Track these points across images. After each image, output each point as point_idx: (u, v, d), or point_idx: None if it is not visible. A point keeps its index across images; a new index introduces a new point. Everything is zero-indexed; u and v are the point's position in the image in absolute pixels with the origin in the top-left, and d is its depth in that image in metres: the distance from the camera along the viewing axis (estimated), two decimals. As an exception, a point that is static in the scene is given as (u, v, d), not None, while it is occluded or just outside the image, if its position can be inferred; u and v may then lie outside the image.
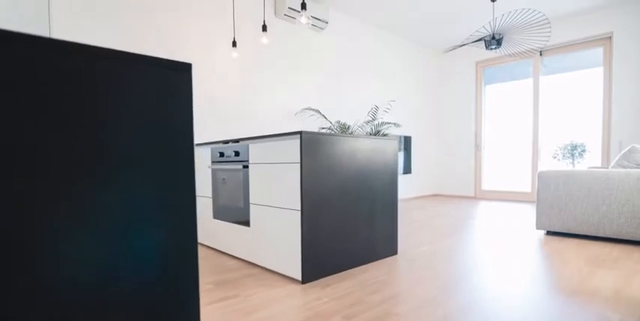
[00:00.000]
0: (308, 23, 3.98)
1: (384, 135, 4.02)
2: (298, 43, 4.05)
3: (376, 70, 5.06)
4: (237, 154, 2.22)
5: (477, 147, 5.86)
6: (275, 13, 3.81)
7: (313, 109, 4.02)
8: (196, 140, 3.26)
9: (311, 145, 1.78)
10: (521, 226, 3.31)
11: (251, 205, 2.11)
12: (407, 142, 5.61)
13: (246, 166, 2.14)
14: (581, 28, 4.70)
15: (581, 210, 2.70)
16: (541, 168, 5.30)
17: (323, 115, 4.03)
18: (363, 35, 4.82)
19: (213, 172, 2.48)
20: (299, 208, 1.77)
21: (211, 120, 3.35)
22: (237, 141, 2.20)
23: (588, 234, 2.69)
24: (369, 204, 2.12)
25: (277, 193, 1.91)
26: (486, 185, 5.90)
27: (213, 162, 2.48)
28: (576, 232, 2.74)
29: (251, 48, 3.61)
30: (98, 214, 0.53)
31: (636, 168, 2.69)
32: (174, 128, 0.57)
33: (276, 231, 1.93)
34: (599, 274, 1.90)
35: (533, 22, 3.88)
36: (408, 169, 5.63)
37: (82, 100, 0.52)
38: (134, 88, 0.53)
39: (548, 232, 2.95)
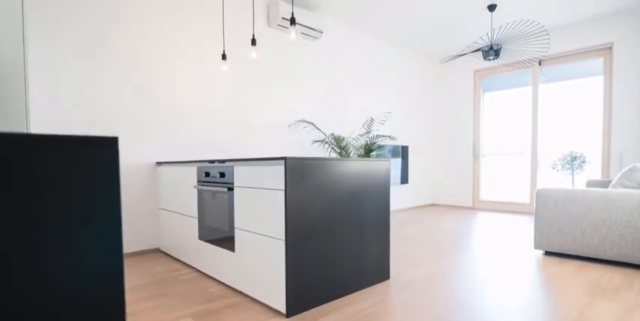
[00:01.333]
0: (302, 34, 3.89)
1: (380, 147, 3.94)
2: (292, 53, 3.97)
3: (372, 79, 4.98)
4: (222, 175, 2.14)
5: (475, 157, 5.78)
6: (268, 24, 3.73)
7: (307, 122, 3.94)
8: (189, 154, 3.17)
9: (296, 171, 1.69)
10: (519, 244, 3.21)
11: (236, 229, 2.02)
12: (404, 151, 5.52)
13: (231, 189, 2.05)
14: (580, 38, 4.63)
15: (581, 231, 2.61)
16: (540, 179, 5.21)
17: (317, 128, 3.94)
18: (358, 44, 4.75)
19: (199, 192, 2.39)
20: (283, 238, 1.68)
21: (203, 134, 3.26)
22: (223, 161, 2.12)
23: (588, 256, 2.59)
24: (360, 228, 2.03)
25: (262, 219, 1.82)
26: (484, 195, 5.81)
27: (199, 181, 2.39)
28: (576, 254, 2.65)
29: (243, 60, 3.53)
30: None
31: (637, 187, 2.60)
32: (96, 216, 0.49)
33: (260, 259, 1.84)
34: (599, 305, 1.81)
35: (532, 33, 3.80)
36: (404, 180, 5.55)
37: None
38: (46, 174, 0.45)
39: (547, 253, 2.86)
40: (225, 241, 2.12)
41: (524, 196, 5.36)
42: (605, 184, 3.91)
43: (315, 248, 1.79)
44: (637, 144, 4.26)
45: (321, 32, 4.01)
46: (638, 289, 2.05)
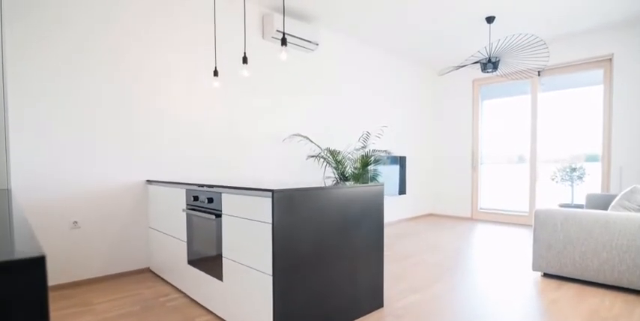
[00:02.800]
0: (297, 46, 3.83)
1: (376, 161, 3.87)
2: (287, 66, 3.91)
3: (369, 90, 4.92)
4: (210, 200, 2.07)
5: (474, 167, 5.71)
6: (262, 36, 3.67)
7: (302, 136, 3.88)
8: (180, 171, 3.10)
9: (285, 203, 1.63)
10: (517, 264, 3.15)
11: (224, 258, 1.96)
12: (402, 162, 5.46)
13: (219, 216, 1.99)
14: (580, 49, 4.57)
15: (580, 254, 2.55)
16: (539, 189, 5.14)
17: (313, 142, 3.88)
18: (355, 55, 4.69)
19: (188, 215, 2.32)
20: (270, 273, 1.61)
21: (195, 149, 3.20)
22: (211, 186, 2.05)
23: (588, 279, 2.53)
24: (352, 257, 1.97)
25: (249, 251, 1.75)
26: (483, 206, 5.75)
27: (187, 205, 2.32)
28: (575, 277, 2.58)
29: (236, 73, 3.47)
30: None
31: (637, 209, 2.54)
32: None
33: (248, 291, 1.77)
34: (600, 342, 1.74)
35: (530, 45, 3.75)
36: (402, 190, 5.48)
37: None
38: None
39: (545, 274, 2.79)
40: (214, 268, 2.05)
41: (522, 206, 5.29)
42: (605, 198, 3.85)
43: (304, 282, 1.72)
44: (637, 157, 4.20)
45: (317, 44, 3.95)
46: (638, 318, 1.99)
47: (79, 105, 2.60)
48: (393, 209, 5.37)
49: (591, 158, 4.85)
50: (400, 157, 5.42)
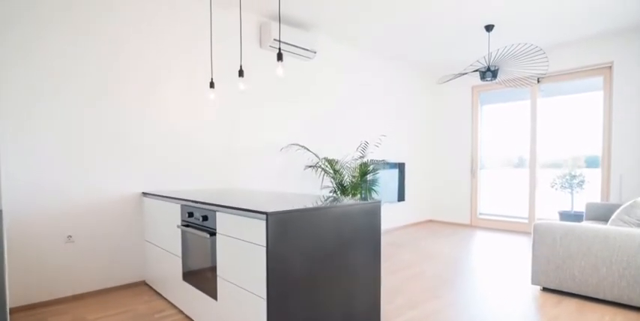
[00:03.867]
0: (295, 54, 3.81)
1: (375, 170, 3.85)
2: (285, 74, 3.88)
3: (368, 97, 4.90)
4: (205, 218, 2.05)
5: (473, 173, 5.69)
6: (260, 45, 3.65)
7: (300, 145, 3.85)
8: (177, 181, 3.08)
9: (279, 225, 1.60)
10: (516, 276, 3.12)
11: (218, 277, 1.93)
12: (400, 168, 5.43)
13: (213, 234, 1.96)
14: (580, 56, 4.54)
15: (580, 269, 2.52)
16: (539, 196, 5.11)
17: (310, 151, 3.86)
18: (353, 62, 4.66)
19: (183, 233, 2.30)
20: (264, 297, 1.59)
21: (192, 159, 3.17)
22: (205, 204, 2.02)
23: (587, 295, 2.50)
24: (349, 277, 1.94)
25: (244, 272, 1.73)
26: (482, 212, 5.73)
27: (182, 221, 2.30)
28: (575, 292, 2.55)
29: (233, 83, 3.44)
30: None
31: (637, 224, 2.51)
32: None
33: (242, 312, 1.74)
34: (599, 365, 1.71)
35: (529, 53, 3.72)
36: (401, 197, 5.45)
37: None
38: None
39: (545, 289, 2.76)
40: (209, 286, 2.03)
41: (522, 212, 5.25)
42: (605, 207, 3.83)
43: (299, 304, 1.70)
44: (637, 165, 4.17)
45: (315, 52, 3.92)
46: (639, 340, 1.96)
47: (70, 117, 2.58)
48: (393, 216, 5.34)
49: (592, 159, 4.82)
50: (399, 163, 5.40)
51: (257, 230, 1.62)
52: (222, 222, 1.88)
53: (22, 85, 2.37)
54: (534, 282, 2.75)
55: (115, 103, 2.76)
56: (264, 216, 1.57)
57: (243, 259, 1.73)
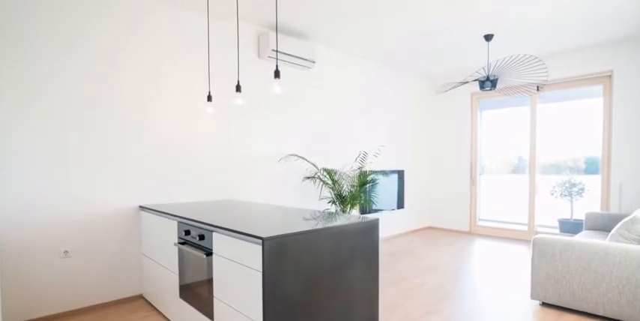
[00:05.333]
0: (293, 64, 3.80)
1: (373, 181, 3.83)
2: (283, 84, 3.87)
3: (366, 105, 4.88)
4: (201, 237, 2.03)
5: (472, 180, 5.67)
6: (258, 56, 3.63)
7: (298, 156, 3.84)
8: (177, 196, 3.06)
9: (276, 250, 1.58)
10: (515, 290, 3.10)
11: (215, 298, 1.92)
12: (400, 175, 5.42)
13: (209, 254, 1.95)
14: (580, 65, 4.53)
15: (579, 285, 2.50)
16: (538, 202, 5.09)
17: (309, 161, 3.84)
18: (352, 70, 4.65)
19: (180, 250, 2.28)
20: (261, 322, 1.57)
21: (192, 171, 3.16)
22: (202, 223, 2.01)
23: (587, 311, 2.49)
24: (346, 296, 1.92)
25: (240, 295, 1.71)
26: (482, 220, 5.71)
27: (179, 238, 2.28)
28: (575, 308, 2.54)
29: (231, 95, 3.43)
30: None
31: (637, 239, 2.49)
32: None
33: (238, 337, 1.73)
34: None
35: (529, 63, 3.71)
36: (401, 204, 5.44)
37: None
38: None
39: (544, 304, 2.74)
40: (205, 306, 2.01)
41: (522, 218, 5.23)
42: (605, 217, 3.82)
43: (296, 328, 1.68)
44: (637, 174, 4.15)
45: (314, 62, 3.91)
46: (639, 360, 1.94)
47: (65, 130, 2.56)
48: (392, 224, 5.33)
49: (591, 162, 4.79)
50: (398, 171, 5.38)
51: (253, 254, 1.61)
52: (219, 243, 1.87)
53: (11, 97, 2.36)
54: (534, 296, 2.73)
55: (111, 115, 2.75)
56: (260, 241, 1.56)
57: (239, 281, 1.71)
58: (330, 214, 2.33)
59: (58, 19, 2.49)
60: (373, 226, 2.07)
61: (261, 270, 1.56)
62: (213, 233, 1.91)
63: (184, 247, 2.14)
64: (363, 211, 4.58)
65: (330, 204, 3.90)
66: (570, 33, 3.90)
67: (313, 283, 1.75)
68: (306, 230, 1.71)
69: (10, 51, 2.32)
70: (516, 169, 5.48)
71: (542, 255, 2.68)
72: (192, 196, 3.19)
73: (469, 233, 5.62)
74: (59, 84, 2.51)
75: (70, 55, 2.54)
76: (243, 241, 1.67)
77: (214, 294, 1.92)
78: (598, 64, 4.39)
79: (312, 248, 1.73)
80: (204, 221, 1.99)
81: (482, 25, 3.63)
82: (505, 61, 3.57)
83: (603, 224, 3.83)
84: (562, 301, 2.59)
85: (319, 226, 1.79)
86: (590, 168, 4.87)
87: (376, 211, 4.93)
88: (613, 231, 2.64)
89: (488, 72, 3.80)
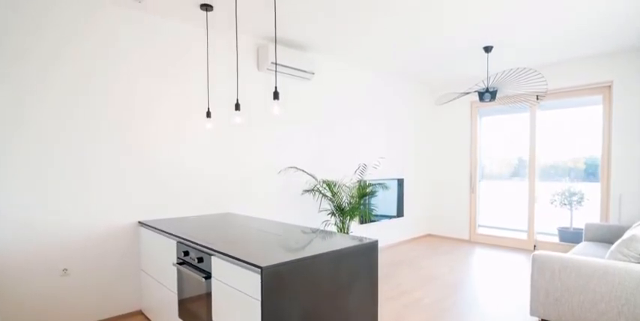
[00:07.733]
0: (292, 76, 3.79)
1: (372, 193, 3.84)
2: (283, 96, 3.86)
3: (366, 114, 4.88)
4: (200, 260, 2.03)
5: (472, 189, 5.67)
6: (258, 68, 3.63)
7: (297, 168, 3.84)
8: (176, 210, 3.06)
9: (275, 278, 1.58)
10: (515, 305, 3.10)
11: (214, 322, 1.92)
12: (400, 184, 5.42)
13: (208, 277, 1.95)
14: (579, 75, 4.53)
15: (578, 303, 2.50)
16: (538, 211, 5.09)
17: (308, 174, 3.84)
18: (351, 80, 4.65)
19: (178, 271, 2.28)
20: (259, 351, 1.57)
21: (191, 185, 3.16)
22: (200, 245, 2.01)
23: (586, 330, 2.48)
24: (346, 318, 1.92)
25: (238, 322, 1.71)
26: (481, 226, 5.71)
27: (178, 258, 2.28)
28: (573, 326, 2.53)
29: (231, 107, 3.42)
30: None
31: (636, 257, 2.49)
32: None
33: (237, 363, 1.73)
34: None
35: (528, 76, 3.71)
36: (400, 213, 5.44)
37: None
38: None
39: None
40: (204, 328, 2.01)
41: (521, 226, 5.23)
42: (604, 229, 3.82)
43: (294, 355, 1.68)
44: (637, 186, 4.15)
45: (313, 73, 3.91)
46: (638, 384, 1.94)
47: (62, 146, 2.56)
48: (391, 232, 5.33)
49: (592, 164, 4.80)
50: (398, 179, 5.38)
51: (252, 282, 1.61)
52: (218, 267, 1.87)
53: (6, 105, 2.36)
54: (533, 313, 2.73)
55: (110, 129, 2.74)
56: (259, 270, 1.56)
57: (238, 308, 1.71)
58: (329, 233, 2.33)
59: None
60: (372, 247, 2.07)
61: (259, 299, 1.56)
62: (212, 257, 1.91)
63: (183, 269, 2.14)
64: (362, 221, 4.58)
65: (330, 216, 3.90)
66: (570, 44, 3.90)
67: (313, 307, 1.75)
68: (305, 257, 1.71)
69: (5, 62, 2.32)
70: (516, 173, 5.48)
71: (542, 272, 2.68)
72: (192, 209, 3.19)
73: (469, 241, 5.62)
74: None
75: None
76: (242, 268, 1.67)
77: (213, 318, 1.92)
78: (597, 75, 4.39)
79: (311, 274, 1.73)
80: (204, 244, 1.98)
81: (481, 38, 3.63)
82: (504, 73, 3.57)
83: (602, 236, 3.83)
84: (561, 319, 2.58)
85: (318, 252, 1.79)
86: (590, 169, 4.88)
87: (375, 220, 4.93)
88: (612, 248, 2.63)
89: (488, 84, 3.81)
